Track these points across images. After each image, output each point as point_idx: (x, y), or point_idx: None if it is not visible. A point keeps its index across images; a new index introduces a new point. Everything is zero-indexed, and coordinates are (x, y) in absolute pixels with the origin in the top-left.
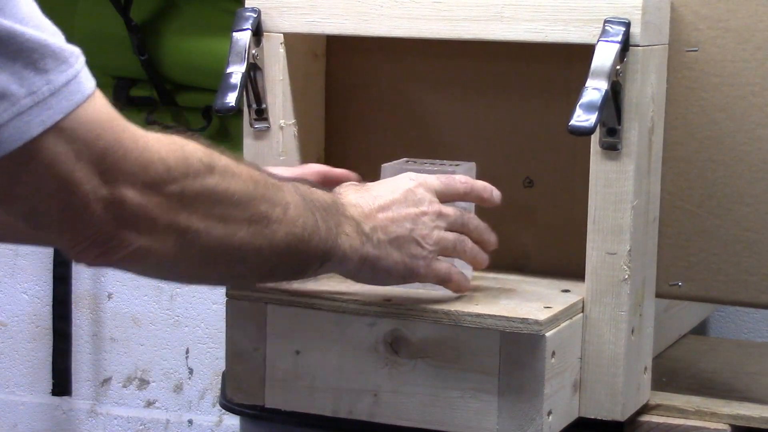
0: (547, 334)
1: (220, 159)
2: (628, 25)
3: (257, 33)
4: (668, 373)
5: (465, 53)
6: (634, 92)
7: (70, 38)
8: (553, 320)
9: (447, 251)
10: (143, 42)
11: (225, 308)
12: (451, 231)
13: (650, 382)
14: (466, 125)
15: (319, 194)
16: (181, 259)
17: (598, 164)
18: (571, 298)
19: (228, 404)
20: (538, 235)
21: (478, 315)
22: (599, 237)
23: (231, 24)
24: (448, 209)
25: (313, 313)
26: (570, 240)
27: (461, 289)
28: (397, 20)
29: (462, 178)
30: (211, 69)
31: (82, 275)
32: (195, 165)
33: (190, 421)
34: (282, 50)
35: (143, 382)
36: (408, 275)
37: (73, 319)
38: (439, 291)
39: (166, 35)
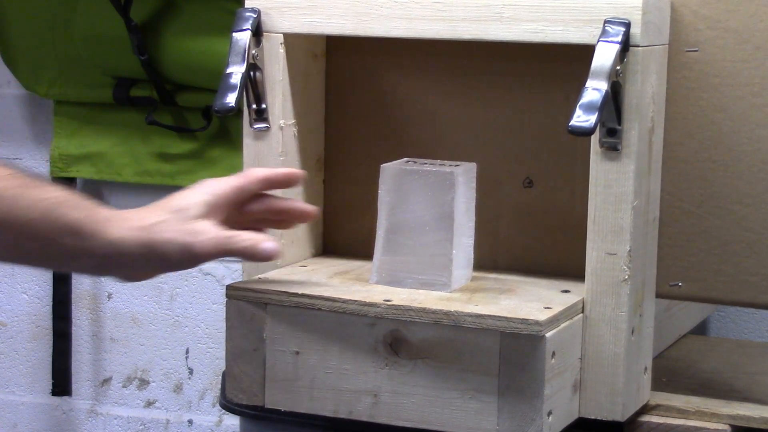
0: (547, 335)
1: None
2: (628, 25)
3: (257, 33)
4: (668, 373)
5: (465, 53)
6: (634, 93)
7: (70, 38)
8: (553, 321)
9: None
10: (143, 42)
11: (225, 308)
12: None
13: (650, 383)
14: (466, 125)
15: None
16: None
17: (598, 165)
18: (571, 299)
19: (228, 404)
20: (538, 235)
21: (478, 315)
22: (599, 237)
23: (231, 24)
24: None
25: (313, 313)
26: (570, 240)
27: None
28: (396, 21)
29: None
30: (211, 69)
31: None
32: None
33: (190, 421)
34: (282, 50)
35: (143, 382)
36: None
37: (73, 319)
38: (439, 291)
39: (166, 35)
